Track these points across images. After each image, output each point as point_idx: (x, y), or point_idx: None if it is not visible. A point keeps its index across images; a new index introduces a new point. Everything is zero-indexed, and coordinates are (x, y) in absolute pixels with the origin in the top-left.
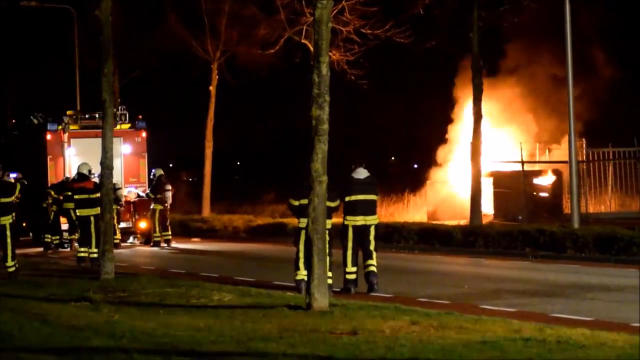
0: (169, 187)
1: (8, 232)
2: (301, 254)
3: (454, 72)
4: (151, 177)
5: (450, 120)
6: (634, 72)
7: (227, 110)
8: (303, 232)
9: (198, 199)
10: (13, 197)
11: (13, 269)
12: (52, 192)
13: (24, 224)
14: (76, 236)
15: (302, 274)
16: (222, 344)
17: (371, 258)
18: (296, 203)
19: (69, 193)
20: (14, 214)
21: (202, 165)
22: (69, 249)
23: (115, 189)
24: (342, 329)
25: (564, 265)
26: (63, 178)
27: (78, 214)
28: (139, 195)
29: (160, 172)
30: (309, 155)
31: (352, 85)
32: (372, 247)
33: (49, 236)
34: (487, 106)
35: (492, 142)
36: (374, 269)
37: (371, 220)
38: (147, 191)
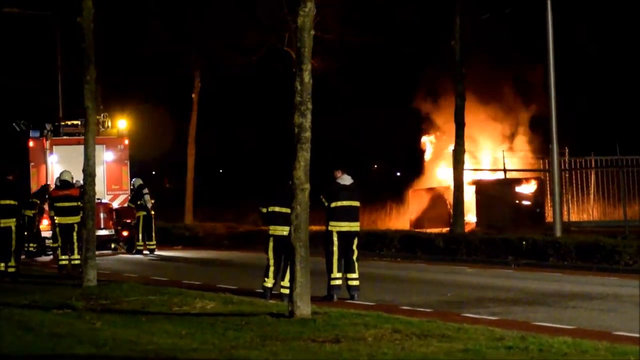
0: (147, 190)
1: (13, 235)
2: (271, 262)
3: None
4: (131, 187)
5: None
6: (617, 79)
7: (210, 117)
8: (272, 239)
9: (180, 207)
10: (18, 201)
11: (14, 269)
12: (38, 201)
13: None
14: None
15: (270, 281)
16: (204, 352)
17: (353, 271)
18: (264, 210)
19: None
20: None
21: (185, 172)
22: (51, 257)
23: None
24: (325, 337)
25: (546, 274)
26: (44, 184)
27: (60, 221)
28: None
29: (139, 181)
30: (291, 162)
31: (335, 91)
32: (355, 257)
33: (32, 244)
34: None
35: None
36: (356, 283)
37: (355, 226)
38: (128, 201)
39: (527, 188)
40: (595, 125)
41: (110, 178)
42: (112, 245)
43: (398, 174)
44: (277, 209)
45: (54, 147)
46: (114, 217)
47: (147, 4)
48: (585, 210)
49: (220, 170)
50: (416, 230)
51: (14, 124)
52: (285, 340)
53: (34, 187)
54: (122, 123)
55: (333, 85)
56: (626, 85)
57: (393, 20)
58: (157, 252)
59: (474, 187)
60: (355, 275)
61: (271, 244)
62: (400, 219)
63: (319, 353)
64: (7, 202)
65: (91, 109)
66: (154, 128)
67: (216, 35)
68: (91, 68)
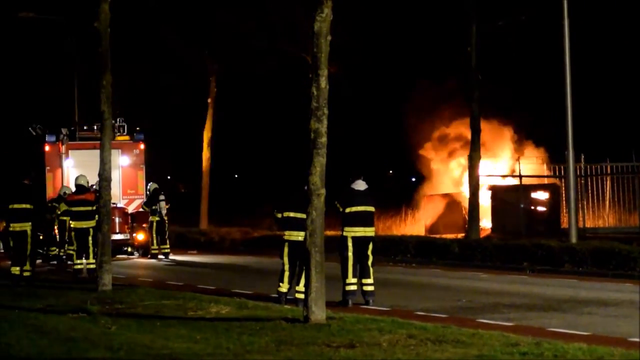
0: (163, 197)
1: (29, 239)
2: (286, 267)
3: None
4: (147, 191)
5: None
6: (633, 86)
7: (226, 122)
8: (287, 244)
9: (196, 211)
10: (34, 205)
11: (29, 274)
12: (57, 205)
13: None
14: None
15: (285, 286)
16: (219, 357)
17: (368, 276)
18: (279, 215)
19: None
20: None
21: (200, 177)
22: (69, 261)
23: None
24: (339, 342)
25: (562, 280)
26: (60, 193)
27: (76, 226)
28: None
29: (154, 186)
30: (307, 168)
31: (350, 97)
32: (370, 262)
33: (54, 249)
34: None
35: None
36: (371, 288)
37: (370, 231)
38: (143, 205)
39: (542, 194)
40: (611, 131)
41: (126, 182)
42: (129, 249)
43: (413, 179)
44: (292, 214)
45: (69, 151)
46: (129, 221)
47: (162, 9)
48: (601, 217)
49: (236, 175)
50: (431, 236)
51: (30, 128)
52: (300, 345)
53: (50, 192)
54: (137, 128)
55: (347, 90)
56: None
57: (409, 27)
58: (172, 257)
59: (489, 193)
60: (370, 281)
61: (286, 249)
62: (416, 225)
63: (333, 358)
64: (23, 206)
65: (107, 114)
66: (169, 132)
67: (231, 41)
68: (107, 73)
